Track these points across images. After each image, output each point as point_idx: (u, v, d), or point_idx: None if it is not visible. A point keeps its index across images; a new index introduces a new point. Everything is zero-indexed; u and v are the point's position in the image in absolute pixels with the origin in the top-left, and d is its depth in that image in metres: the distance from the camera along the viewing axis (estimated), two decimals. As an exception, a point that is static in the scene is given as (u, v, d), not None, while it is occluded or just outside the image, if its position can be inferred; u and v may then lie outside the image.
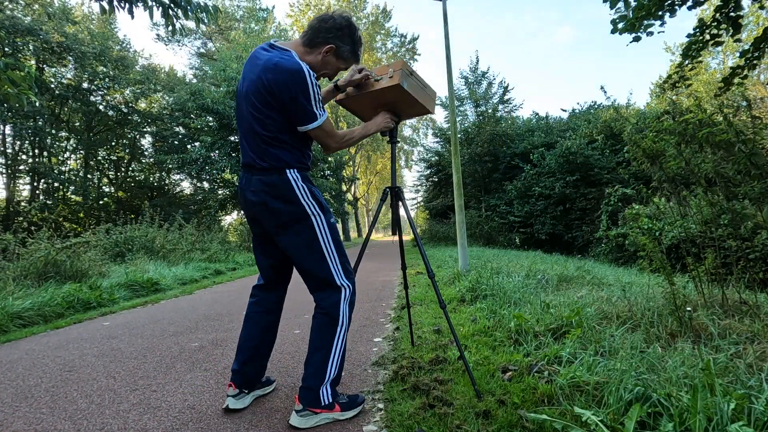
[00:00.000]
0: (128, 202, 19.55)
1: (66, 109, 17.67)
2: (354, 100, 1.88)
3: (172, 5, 3.78)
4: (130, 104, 19.11)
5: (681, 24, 50.77)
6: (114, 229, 8.87)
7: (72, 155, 19.25)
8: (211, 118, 14.52)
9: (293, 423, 1.55)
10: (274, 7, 34.84)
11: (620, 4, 3.73)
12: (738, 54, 4.08)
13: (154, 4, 3.69)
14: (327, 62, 1.65)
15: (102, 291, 4.80)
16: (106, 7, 3.62)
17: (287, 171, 1.58)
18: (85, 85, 17.22)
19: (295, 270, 1.77)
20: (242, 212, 1.74)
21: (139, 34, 58.77)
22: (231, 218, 19.59)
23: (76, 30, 16.41)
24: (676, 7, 3.77)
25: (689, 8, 3.90)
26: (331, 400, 1.58)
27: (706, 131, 2.44)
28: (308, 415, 1.55)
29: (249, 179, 1.61)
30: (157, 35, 24.63)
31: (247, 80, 1.62)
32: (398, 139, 2.07)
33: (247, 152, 1.61)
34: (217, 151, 14.27)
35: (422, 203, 22.49)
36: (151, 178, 21.18)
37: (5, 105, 13.39)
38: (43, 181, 16.79)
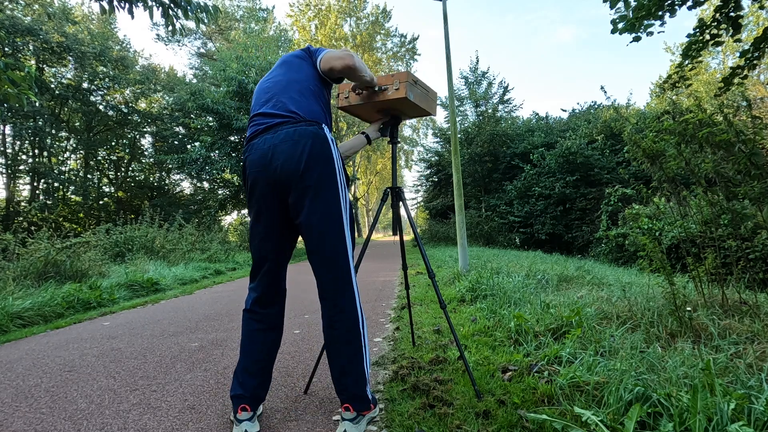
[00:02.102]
0: (128, 202, 19.55)
1: (66, 109, 17.67)
2: (357, 107, 1.91)
3: (172, 5, 3.78)
4: (130, 104, 19.11)
5: (681, 24, 50.75)
6: (114, 229, 8.87)
7: (72, 155, 19.26)
8: (211, 118, 14.50)
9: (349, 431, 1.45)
10: (274, 7, 34.87)
11: (620, 4, 3.73)
12: (738, 54, 4.07)
13: (154, 4, 3.70)
14: None
15: (102, 291, 4.80)
16: (106, 7, 3.62)
17: (324, 128, 1.53)
18: (85, 85, 17.22)
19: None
20: (248, 190, 1.56)
21: (139, 34, 58.79)
22: (231, 218, 19.59)
23: (76, 30, 16.41)
24: (676, 7, 3.77)
25: (689, 8, 3.90)
26: (371, 400, 1.54)
27: (706, 131, 2.44)
28: (360, 419, 1.48)
29: (276, 133, 1.48)
30: (157, 35, 24.68)
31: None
32: (398, 140, 2.08)
33: (281, 106, 1.53)
34: (217, 151, 14.26)
35: (422, 203, 22.48)
36: (151, 178, 21.18)
37: (5, 105, 13.39)
38: (43, 181, 16.79)
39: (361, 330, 1.51)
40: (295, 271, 7.91)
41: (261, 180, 1.50)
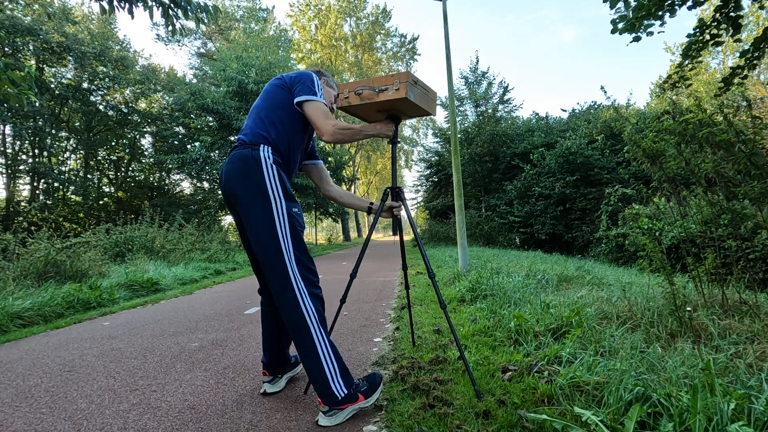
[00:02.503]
0: (128, 202, 19.54)
1: (66, 109, 17.67)
2: (357, 107, 1.91)
3: (172, 5, 3.78)
4: (130, 104, 19.10)
5: (681, 24, 50.73)
6: (114, 229, 8.87)
7: (72, 155, 19.24)
8: (211, 118, 14.51)
9: (321, 423, 1.57)
10: (274, 7, 34.84)
11: (620, 4, 3.73)
12: (738, 54, 4.07)
13: (154, 4, 3.70)
14: (324, 94, 1.80)
15: (102, 291, 4.80)
16: (106, 7, 3.62)
17: (261, 147, 1.66)
18: (85, 85, 17.21)
19: None
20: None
21: (139, 34, 58.77)
22: (231, 218, 19.58)
23: (76, 30, 16.40)
24: (676, 7, 3.77)
25: (689, 8, 3.90)
26: (347, 391, 1.58)
27: (706, 131, 2.44)
28: (335, 413, 1.56)
29: (229, 156, 1.72)
30: (157, 35, 24.66)
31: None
32: (399, 140, 2.08)
33: (242, 132, 1.76)
34: (217, 151, 14.27)
35: (422, 203, 22.48)
36: (151, 178, 21.18)
37: (5, 105, 13.39)
38: (43, 181, 16.78)
39: (312, 331, 1.58)
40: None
41: (223, 196, 1.78)
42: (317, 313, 1.61)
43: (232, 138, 14.53)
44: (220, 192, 16.65)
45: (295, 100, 1.69)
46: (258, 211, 1.61)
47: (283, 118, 1.72)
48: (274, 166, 1.64)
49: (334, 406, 1.56)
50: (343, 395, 1.56)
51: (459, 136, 15.67)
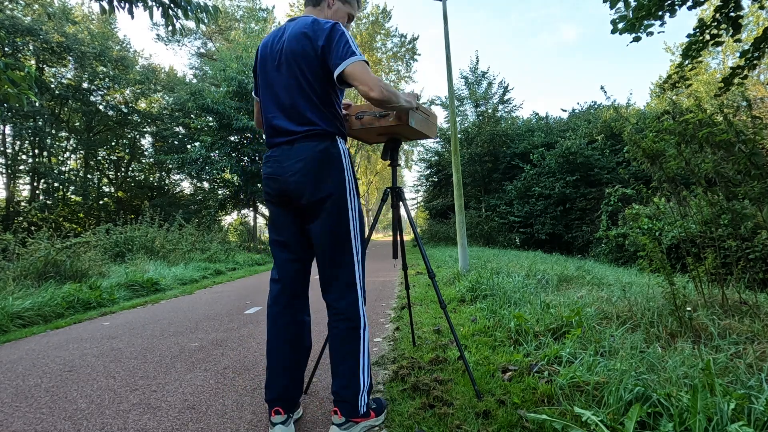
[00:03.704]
0: (128, 202, 19.54)
1: (66, 109, 17.67)
2: (358, 130, 1.91)
3: (172, 5, 3.78)
4: (130, 104, 19.10)
5: (681, 24, 50.72)
6: (114, 229, 8.88)
7: (72, 155, 19.24)
8: (211, 118, 14.50)
9: None
10: (274, 7, 34.86)
11: (620, 4, 3.72)
12: (738, 54, 4.07)
13: (154, 4, 3.70)
14: (337, 12, 1.65)
15: (102, 291, 4.80)
16: (106, 7, 3.62)
17: (338, 139, 1.52)
18: (85, 85, 17.20)
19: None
20: (267, 198, 1.60)
21: (139, 34, 58.77)
22: (231, 218, 19.60)
23: (76, 30, 16.40)
24: (676, 7, 3.77)
25: (689, 8, 3.90)
26: (366, 409, 1.49)
27: (706, 131, 2.44)
28: (350, 426, 1.46)
29: (290, 148, 1.49)
30: (157, 35, 24.66)
31: (282, 50, 1.53)
32: (399, 162, 2.09)
33: (291, 118, 1.50)
34: (217, 151, 14.26)
35: (422, 203, 22.49)
36: (151, 178, 21.18)
37: (5, 105, 13.39)
38: (43, 181, 16.78)
39: (362, 335, 1.50)
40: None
41: (276, 188, 1.59)
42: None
43: (233, 138, 14.54)
44: (220, 192, 16.73)
45: (338, 71, 1.41)
46: (336, 209, 1.48)
47: (335, 99, 1.54)
48: (349, 159, 1.55)
49: (352, 418, 1.46)
50: (364, 410, 1.49)
51: (459, 136, 15.65)
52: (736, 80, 3.98)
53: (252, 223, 18.10)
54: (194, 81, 20.80)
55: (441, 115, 20.01)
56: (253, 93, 1.74)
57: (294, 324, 1.56)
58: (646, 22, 3.76)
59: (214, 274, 7.82)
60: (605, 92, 28.73)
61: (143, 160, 20.86)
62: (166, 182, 21.30)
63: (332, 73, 1.44)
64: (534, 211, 14.86)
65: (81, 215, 17.82)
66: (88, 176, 19.25)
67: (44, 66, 15.92)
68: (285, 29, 1.57)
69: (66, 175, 18.08)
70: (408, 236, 25.28)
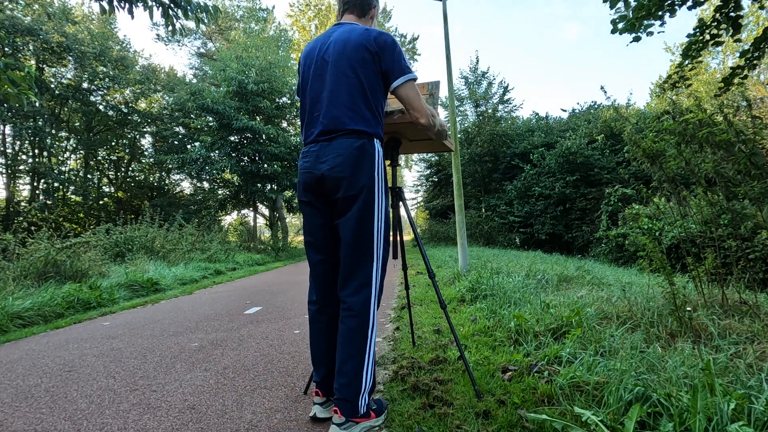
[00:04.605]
0: (128, 202, 19.54)
1: (66, 109, 17.66)
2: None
3: (172, 5, 3.78)
4: (130, 104, 19.10)
5: (681, 24, 50.68)
6: (114, 229, 8.88)
7: (72, 155, 19.24)
8: (211, 118, 14.50)
9: None
10: (274, 7, 34.83)
11: (620, 4, 3.73)
12: (738, 54, 4.07)
13: (154, 4, 3.70)
14: (373, 21, 1.77)
15: (102, 291, 4.80)
16: (106, 7, 3.62)
17: (375, 140, 1.57)
18: (85, 85, 17.20)
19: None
20: (300, 195, 1.67)
21: (139, 34, 58.63)
22: (231, 218, 19.61)
23: (76, 30, 16.39)
24: (676, 7, 3.77)
25: (689, 8, 3.90)
26: (366, 409, 1.51)
27: (706, 131, 2.44)
28: (350, 426, 1.47)
29: (328, 145, 1.55)
30: (157, 35, 24.61)
31: (330, 54, 1.59)
32: (399, 162, 2.09)
33: (335, 117, 1.55)
34: (217, 151, 14.26)
35: (422, 203, 22.50)
36: (151, 178, 21.18)
37: (5, 105, 13.39)
38: (43, 181, 16.78)
39: (369, 335, 1.51)
40: (295, 272, 7.91)
41: (312, 183, 1.64)
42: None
43: (233, 138, 14.53)
44: (220, 192, 16.71)
45: (394, 84, 1.55)
46: (365, 204, 1.52)
47: (381, 104, 1.61)
48: (382, 161, 1.60)
49: (352, 418, 1.47)
50: (364, 410, 1.50)
51: (459, 136, 15.66)
52: (736, 80, 3.98)
53: (252, 223, 18.11)
54: (194, 81, 20.79)
55: (441, 115, 20.00)
56: (297, 94, 1.82)
57: (327, 323, 1.67)
58: (646, 22, 3.76)
59: (214, 274, 7.82)
60: (605, 92, 28.78)
61: (143, 160, 20.86)
62: (166, 182, 21.30)
63: (389, 83, 1.57)
64: (534, 211, 14.87)
65: (81, 215, 17.82)
66: (88, 176, 19.26)
67: (44, 66, 15.92)
68: (330, 34, 1.65)
69: (66, 175, 18.08)
70: (408, 236, 25.28)
